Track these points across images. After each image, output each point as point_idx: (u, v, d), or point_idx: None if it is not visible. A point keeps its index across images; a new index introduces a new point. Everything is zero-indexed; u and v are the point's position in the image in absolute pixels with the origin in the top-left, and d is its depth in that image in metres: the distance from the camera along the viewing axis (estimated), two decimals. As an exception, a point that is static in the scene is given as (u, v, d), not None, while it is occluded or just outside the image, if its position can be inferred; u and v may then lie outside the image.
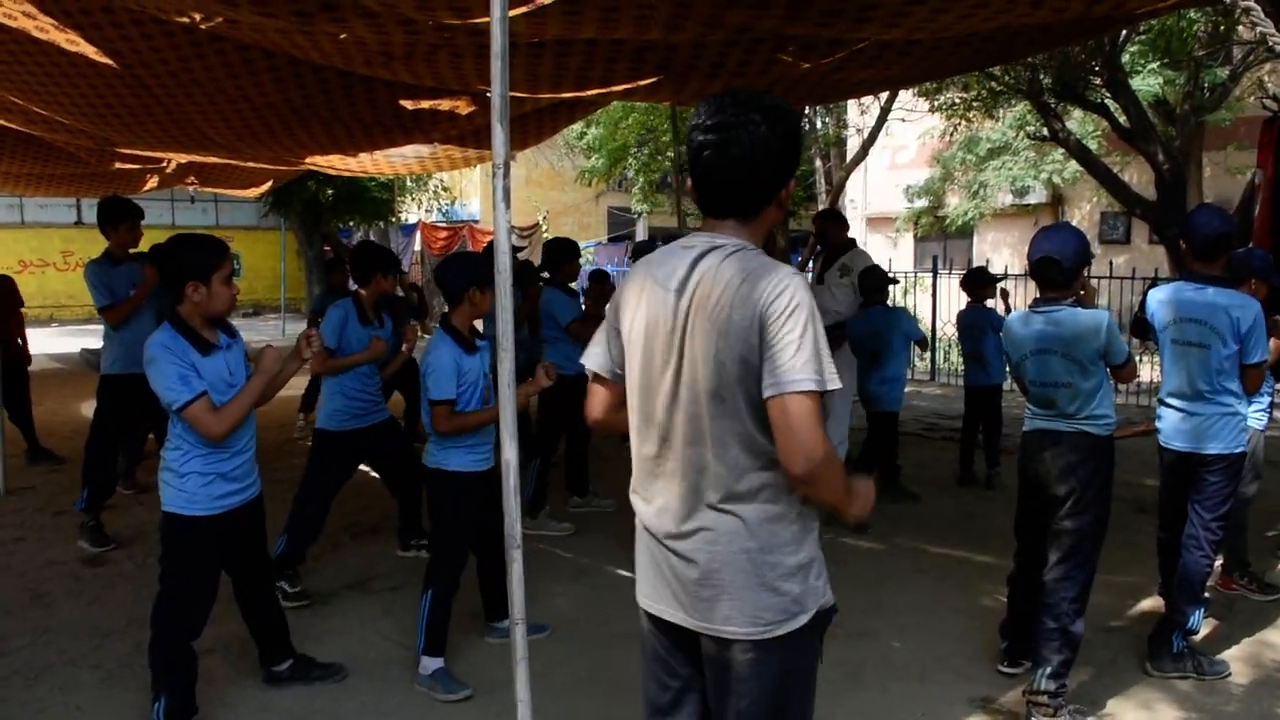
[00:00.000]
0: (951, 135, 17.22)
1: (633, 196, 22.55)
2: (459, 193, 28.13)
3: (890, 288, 7.28)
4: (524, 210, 26.53)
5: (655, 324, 2.22)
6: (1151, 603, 5.11)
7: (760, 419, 2.09)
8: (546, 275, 6.92)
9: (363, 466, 5.63)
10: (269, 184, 12.03)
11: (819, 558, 2.26)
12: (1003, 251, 20.63)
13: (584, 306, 7.03)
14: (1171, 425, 4.43)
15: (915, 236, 23.19)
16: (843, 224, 7.84)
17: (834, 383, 2.04)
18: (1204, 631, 4.62)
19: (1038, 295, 3.98)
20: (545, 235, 20.34)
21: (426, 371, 4.24)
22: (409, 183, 21.52)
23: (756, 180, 2.15)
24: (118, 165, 8.71)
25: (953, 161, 19.63)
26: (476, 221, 26.30)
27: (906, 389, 8.30)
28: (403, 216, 22.89)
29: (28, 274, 24.65)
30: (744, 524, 2.15)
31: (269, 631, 4.25)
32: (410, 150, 8.47)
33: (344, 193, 17.54)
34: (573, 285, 7.03)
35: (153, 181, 10.48)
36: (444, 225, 23.73)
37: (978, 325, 7.63)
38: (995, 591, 5.10)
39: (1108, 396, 3.91)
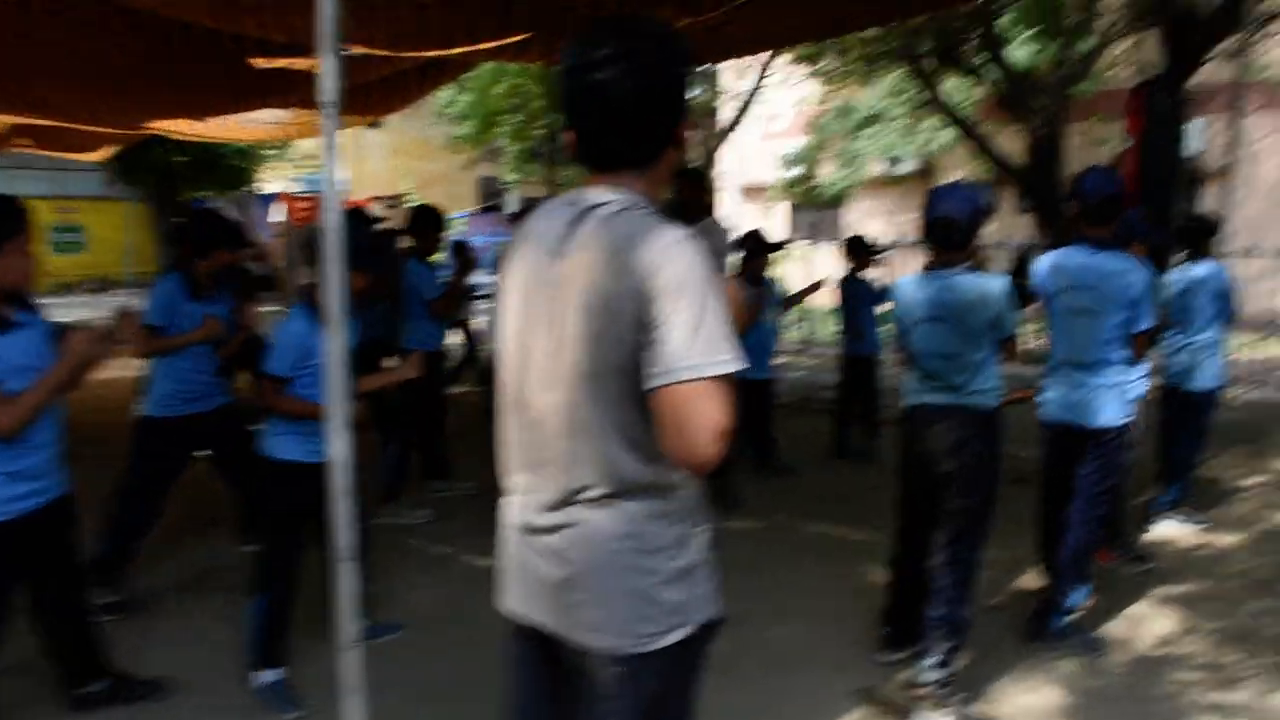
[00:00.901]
0: (826, 102, 17.14)
1: (504, 166, 21.98)
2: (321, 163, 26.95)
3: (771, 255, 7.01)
4: (390, 180, 25.71)
5: (530, 293, 1.90)
6: (1032, 578, 4.96)
7: (643, 408, 1.78)
8: (409, 245, 6.44)
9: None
10: (114, 148, 11.20)
11: (708, 562, 1.98)
12: (875, 220, 20.72)
13: (449, 280, 6.58)
14: (1058, 397, 4.24)
15: (789, 206, 23.16)
16: (699, 186, 7.37)
17: (736, 362, 1.73)
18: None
19: (931, 259, 3.72)
20: (411, 204, 19.63)
21: (272, 343, 3.79)
22: (269, 150, 20.51)
23: (653, 117, 1.84)
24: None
25: (826, 130, 19.60)
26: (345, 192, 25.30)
27: (781, 360, 8.10)
28: (263, 186, 21.86)
29: None
30: (620, 522, 1.87)
31: (77, 649, 3.74)
32: (266, 115, 7.94)
33: (198, 160, 16.63)
34: (436, 258, 6.57)
35: None
36: (307, 195, 22.72)
37: (855, 294, 7.43)
38: (875, 571, 4.87)
39: (995, 369, 3.69)
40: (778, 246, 7.02)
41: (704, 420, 1.68)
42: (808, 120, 20.33)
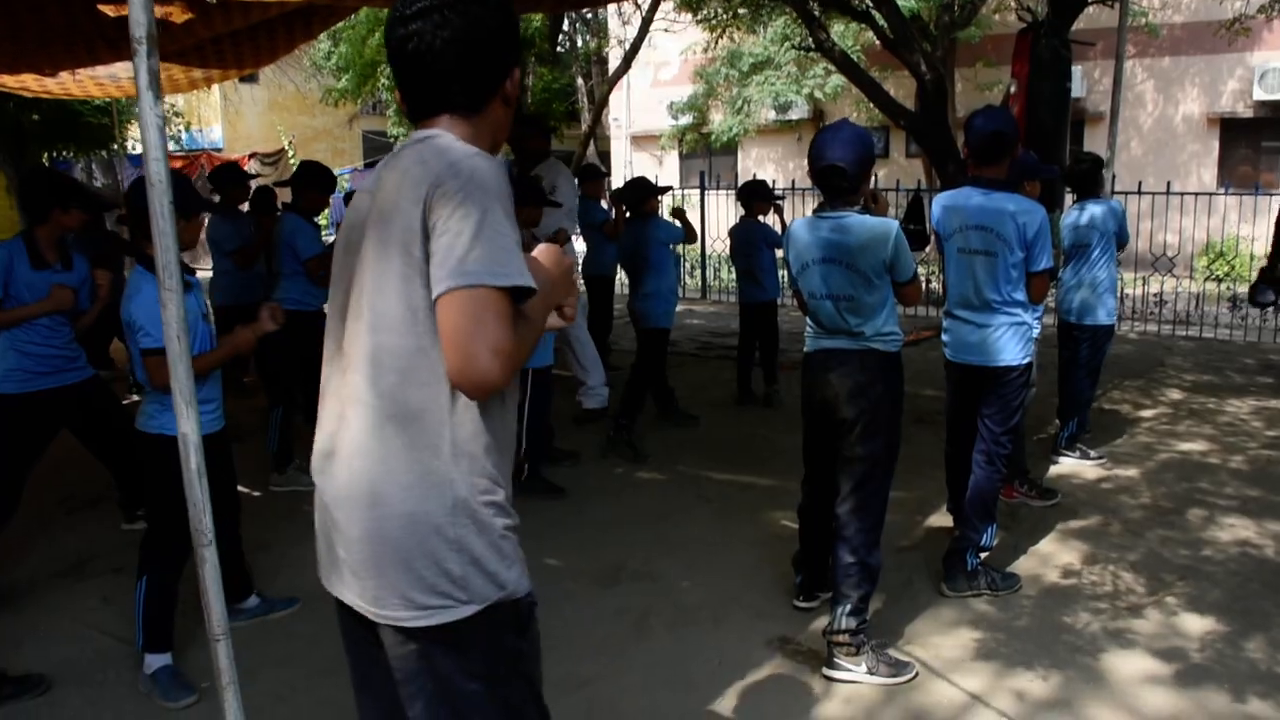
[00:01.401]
0: (713, 50, 17.00)
1: (388, 120, 21.33)
2: (196, 119, 25.95)
3: (659, 199, 6.89)
4: (269, 136, 24.82)
5: (346, 235, 1.88)
6: (939, 519, 5.00)
7: (432, 335, 1.71)
8: (289, 202, 6.15)
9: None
10: None
11: (503, 533, 1.82)
12: (767, 167, 20.77)
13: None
14: (958, 338, 4.23)
15: (680, 154, 23.06)
16: (539, 130, 7.24)
17: (521, 278, 1.67)
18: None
19: (821, 202, 3.64)
20: (292, 162, 18.96)
21: (132, 319, 3.55)
22: (133, 108, 19.46)
23: (475, 67, 1.81)
24: None
25: (715, 77, 19.49)
26: (219, 150, 24.31)
27: (680, 307, 8.02)
28: (130, 146, 20.82)
29: None
30: (402, 481, 1.75)
31: None
32: (122, 69, 7.45)
33: (53, 119, 15.60)
34: (318, 219, 6.30)
35: None
36: (179, 154, 21.76)
37: (751, 240, 7.36)
38: (784, 518, 4.86)
39: (893, 313, 3.62)
40: (662, 190, 6.92)
41: (480, 332, 1.61)
42: (696, 68, 20.18)
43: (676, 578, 4.48)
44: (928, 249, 11.61)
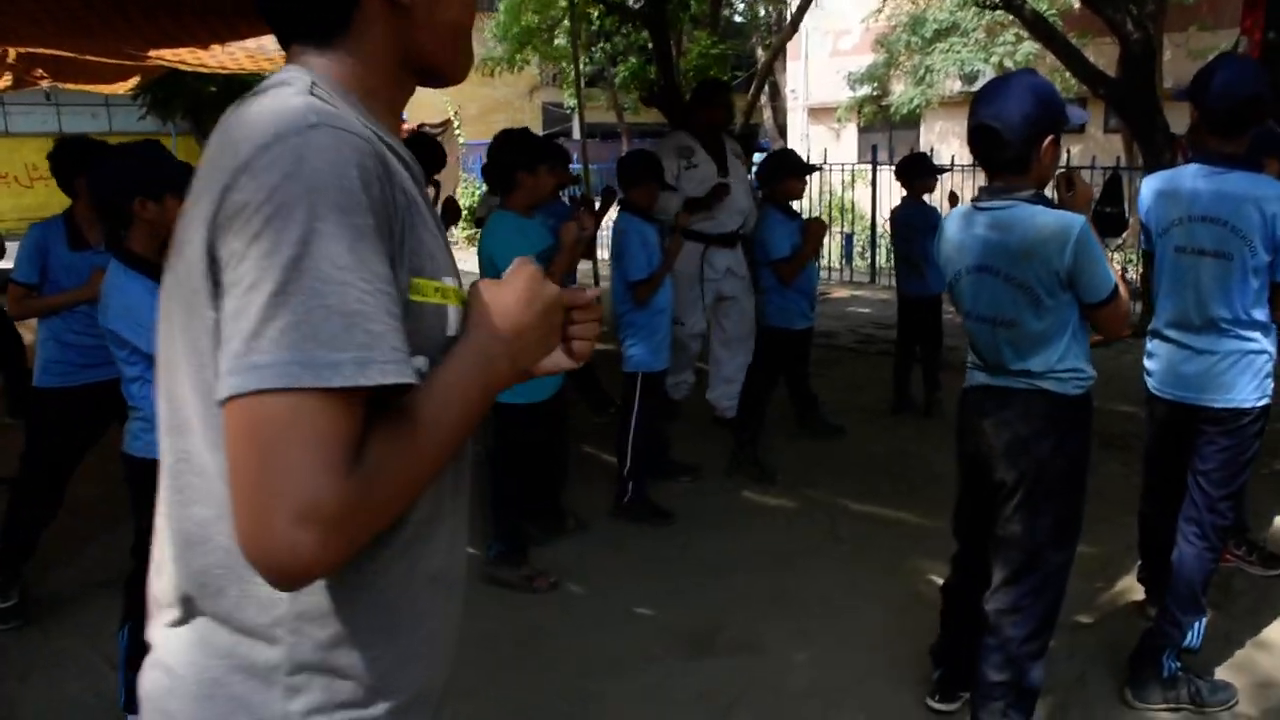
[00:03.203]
0: (895, 16, 15.79)
1: (564, 91, 20.80)
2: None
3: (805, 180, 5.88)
4: (435, 105, 24.86)
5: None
6: (1127, 585, 3.96)
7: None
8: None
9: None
10: (134, 80, 10.48)
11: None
12: (950, 142, 19.29)
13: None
14: (1169, 367, 3.19)
15: (858, 127, 21.81)
16: (708, 97, 6.18)
17: (369, 368, 0.93)
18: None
19: (983, 185, 2.70)
20: (458, 134, 18.65)
21: (114, 329, 2.97)
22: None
23: None
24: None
25: (897, 45, 18.20)
26: (401, 121, 24.36)
27: (844, 294, 7.06)
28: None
29: None
30: (196, 645, 1.06)
31: None
32: (270, 40, 7.12)
33: (227, 91, 15.83)
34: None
35: (4, 79, 9.00)
36: None
37: (911, 224, 6.30)
38: (931, 570, 3.94)
39: (1077, 343, 2.63)
40: (810, 169, 5.83)
41: (274, 480, 0.91)
42: (877, 36, 18.92)
43: (784, 649, 3.60)
44: (1124, 235, 10.27)
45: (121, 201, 2.93)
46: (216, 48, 7.47)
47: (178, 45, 7.17)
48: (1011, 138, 2.50)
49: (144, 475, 2.93)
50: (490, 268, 3.91)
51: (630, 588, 4.12)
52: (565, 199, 7.07)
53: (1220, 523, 3.13)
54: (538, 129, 27.79)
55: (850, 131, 22.10)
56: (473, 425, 1.09)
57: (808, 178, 5.71)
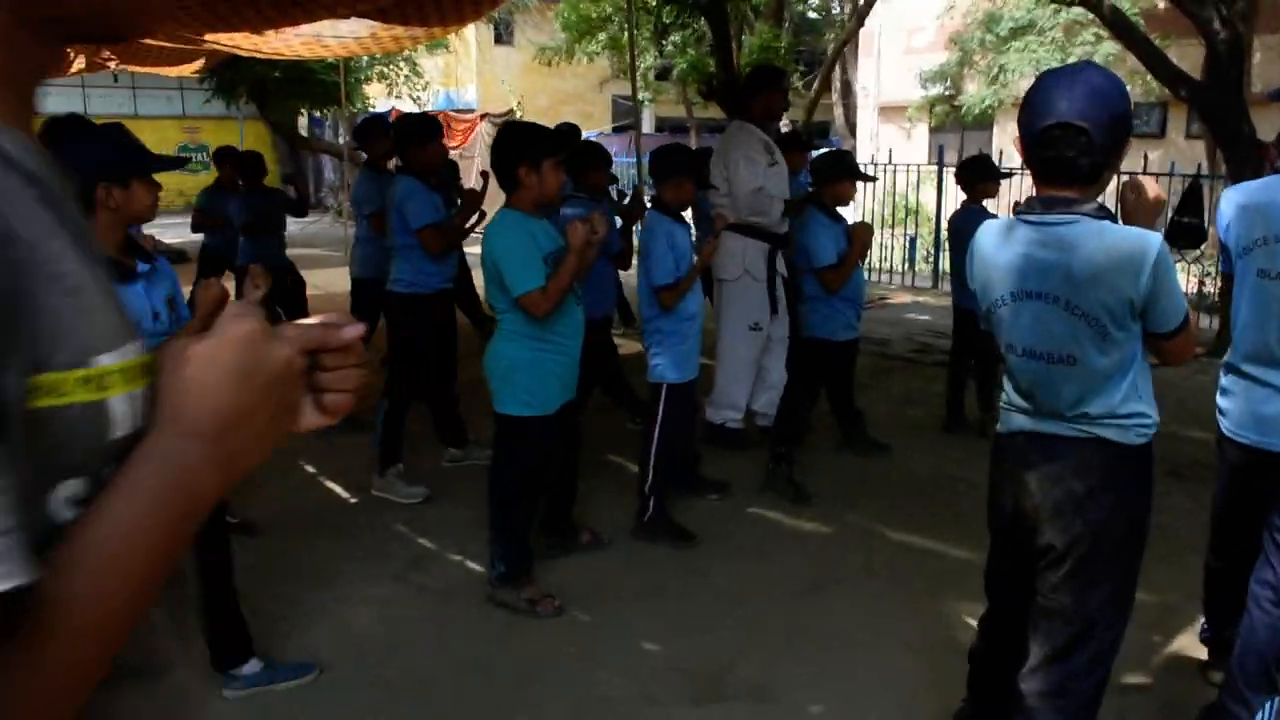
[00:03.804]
0: (968, 13, 15.23)
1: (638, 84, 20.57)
2: (454, 80, 26.21)
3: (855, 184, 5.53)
4: (500, 96, 24.82)
5: None
6: (1187, 642, 3.56)
7: None
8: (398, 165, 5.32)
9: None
10: (199, 63, 10.46)
11: None
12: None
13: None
14: (1244, 406, 2.80)
15: (929, 127, 21.20)
16: (761, 85, 5.81)
17: None
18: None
19: (1033, 195, 2.33)
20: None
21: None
22: (363, 64, 19.50)
23: None
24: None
25: (971, 43, 17.60)
26: (469, 111, 24.17)
27: (904, 299, 6.66)
28: (371, 104, 20.92)
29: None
30: None
31: None
32: (326, 28, 7.13)
33: (290, 77, 15.85)
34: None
35: (77, 64, 8.99)
36: (457, 114, 21.54)
37: (970, 230, 5.87)
38: (968, 611, 3.58)
39: (1141, 382, 2.27)
40: (862, 177, 5.49)
41: None
42: (951, 34, 18.33)
43: (797, 698, 3.27)
44: (1204, 246, 9.70)
45: (85, 189, 2.69)
46: (271, 34, 7.36)
47: (233, 30, 7.06)
48: (1101, 141, 2.13)
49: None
50: (494, 274, 3.62)
51: (640, 617, 3.81)
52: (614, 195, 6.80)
53: (1298, 587, 2.74)
54: (606, 122, 27.64)
55: (921, 131, 21.51)
56: (171, 565, 0.76)
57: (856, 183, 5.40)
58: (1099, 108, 2.12)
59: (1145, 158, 12.36)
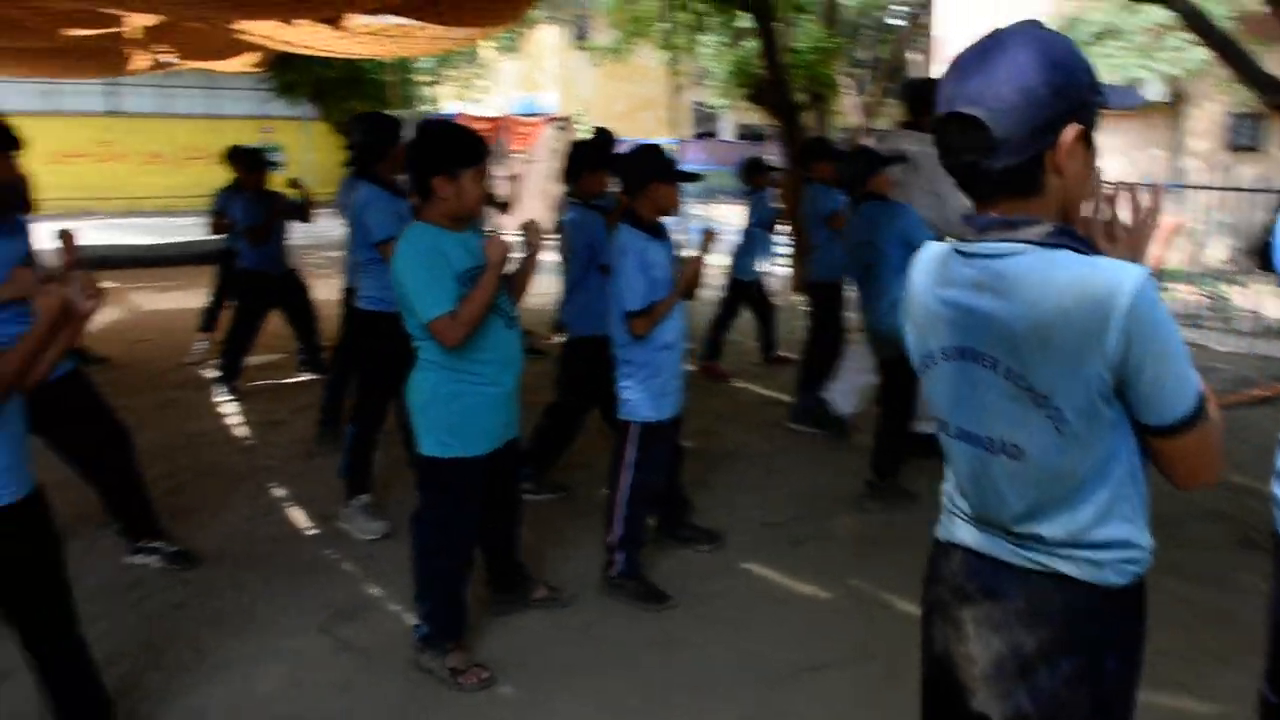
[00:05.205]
0: (1048, 18, 14.41)
1: (711, 90, 19.96)
2: (534, 85, 26.08)
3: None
4: (602, 103, 24.90)
5: None
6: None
7: None
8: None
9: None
10: (252, 56, 10.25)
11: None
12: (1107, 158, 17.81)
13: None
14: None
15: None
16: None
17: None
18: None
19: (966, 213, 1.60)
20: (579, 128, 17.99)
21: None
22: (426, 66, 19.27)
23: None
24: (70, 32, 6.96)
25: (1050, 49, 16.80)
26: (536, 115, 23.87)
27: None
28: (435, 106, 20.70)
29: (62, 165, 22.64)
30: None
31: None
32: (360, 22, 6.94)
33: (343, 76, 15.73)
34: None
35: (141, 61, 8.98)
36: (478, 117, 21.25)
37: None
38: None
39: (1134, 492, 1.54)
40: (894, 159, 4.92)
41: None
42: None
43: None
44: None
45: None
46: (300, 23, 7.06)
47: (262, 16, 6.77)
48: (1010, 133, 1.44)
49: None
50: (401, 295, 3.09)
51: (580, 699, 3.24)
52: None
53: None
54: (686, 129, 27.24)
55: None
56: None
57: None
58: (1001, 83, 1.43)
59: (1223, 172, 11.47)
